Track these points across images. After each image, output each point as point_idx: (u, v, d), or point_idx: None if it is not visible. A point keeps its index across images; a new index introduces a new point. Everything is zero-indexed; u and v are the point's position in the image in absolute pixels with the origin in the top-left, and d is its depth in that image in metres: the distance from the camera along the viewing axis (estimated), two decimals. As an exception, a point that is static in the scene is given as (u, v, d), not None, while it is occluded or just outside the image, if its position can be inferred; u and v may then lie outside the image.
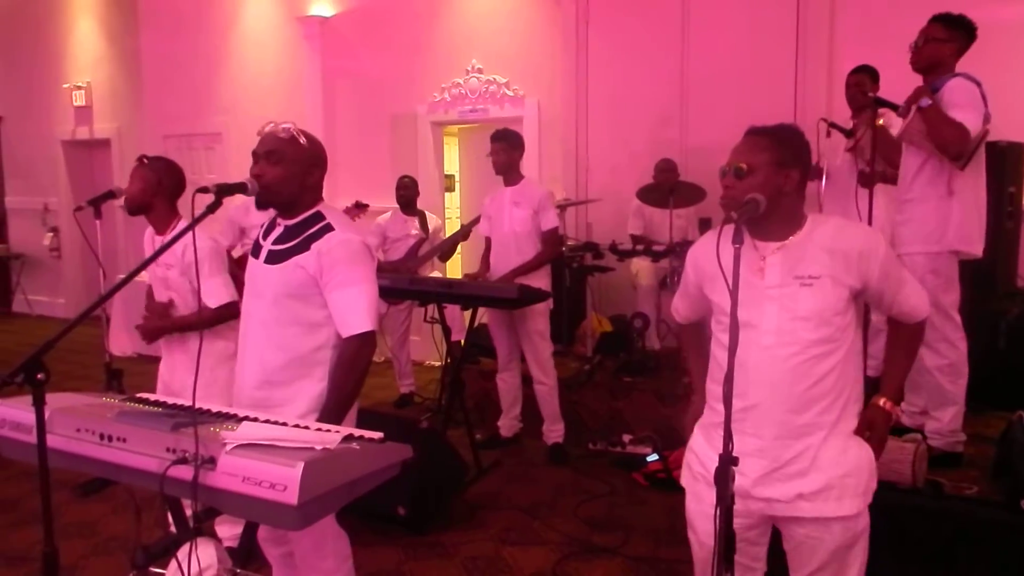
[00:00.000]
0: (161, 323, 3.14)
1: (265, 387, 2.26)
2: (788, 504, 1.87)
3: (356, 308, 2.19)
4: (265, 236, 2.34)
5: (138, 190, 3.06)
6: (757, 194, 1.80)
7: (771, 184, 1.83)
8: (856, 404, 1.94)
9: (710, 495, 1.81)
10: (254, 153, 2.25)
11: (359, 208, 5.10)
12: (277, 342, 2.24)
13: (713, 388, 2.00)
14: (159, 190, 3.07)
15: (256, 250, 2.34)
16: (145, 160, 3.12)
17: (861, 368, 1.96)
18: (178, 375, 3.13)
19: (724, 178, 1.89)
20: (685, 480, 2.07)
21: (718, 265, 1.72)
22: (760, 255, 1.89)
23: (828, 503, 1.86)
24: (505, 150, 4.39)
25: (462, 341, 4.70)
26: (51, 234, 9.18)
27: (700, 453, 2.02)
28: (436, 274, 5.55)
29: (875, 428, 1.95)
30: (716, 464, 1.84)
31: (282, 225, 2.30)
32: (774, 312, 1.86)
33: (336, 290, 2.19)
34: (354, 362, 2.21)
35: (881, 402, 1.98)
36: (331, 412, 2.18)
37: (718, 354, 1.98)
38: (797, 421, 1.85)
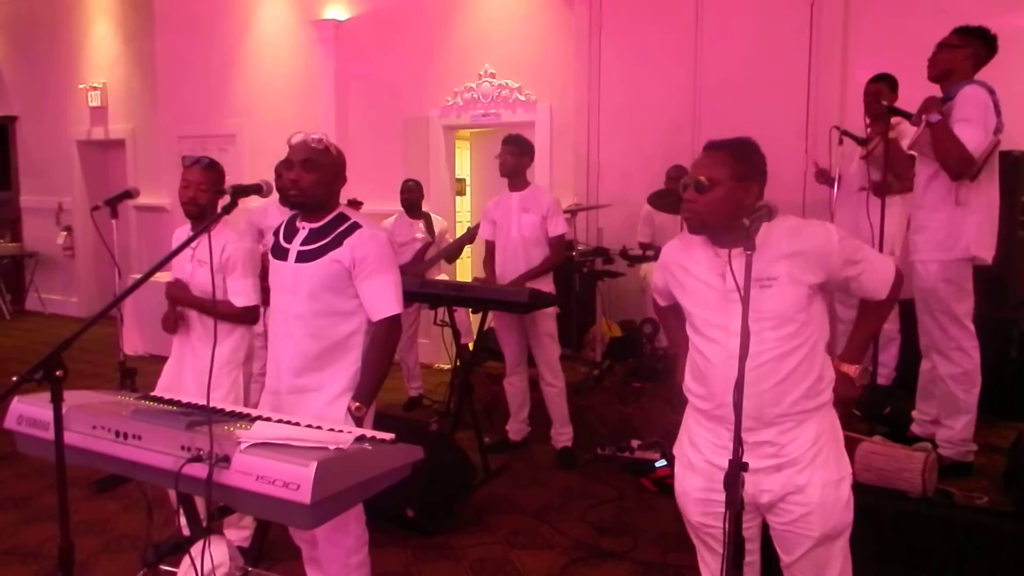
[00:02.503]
0: (184, 293, 3.09)
1: (304, 373, 2.47)
2: (764, 476, 1.93)
3: (386, 294, 2.45)
4: (287, 240, 2.54)
5: (212, 196, 3.04)
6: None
7: (732, 198, 1.90)
8: (825, 393, 1.99)
9: (686, 478, 2.05)
10: (288, 160, 2.47)
11: (353, 206, 5.16)
12: (314, 332, 2.46)
13: (691, 386, 2.08)
14: (219, 190, 3.09)
15: (281, 253, 2.54)
16: (206, 162, 3.09)
17: (827, 359, 2.04)
18: (185, 381, 3.11)
19: (686, 192, 1.95)
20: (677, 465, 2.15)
21: (687, 270, 1.90)
22: (722, 260, 1.94)
23: (802, 474, 1.92)
24: (514, 154, 4.42)
25: (470, 344, 4.71)
26: (65, 233, 9.25)
27: (681, 440, 2.13)
28: (443, 276, 5.56)
29: (840, 393, 2.02)
30: (688, 451, 2.07)
31: (306, 228, 2.51)
32: (738, 314, 1.88)
33: (368, 279, 2.44)
34: (386, 342, 2.47)
35: (843, 368, 2.07)
36: (367, 390, 2.45)
37: (694, 356, 2.06)
38: (767, 415, 1.92)
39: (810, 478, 1.92)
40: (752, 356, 1.87)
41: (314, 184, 2.44)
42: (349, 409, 2.41)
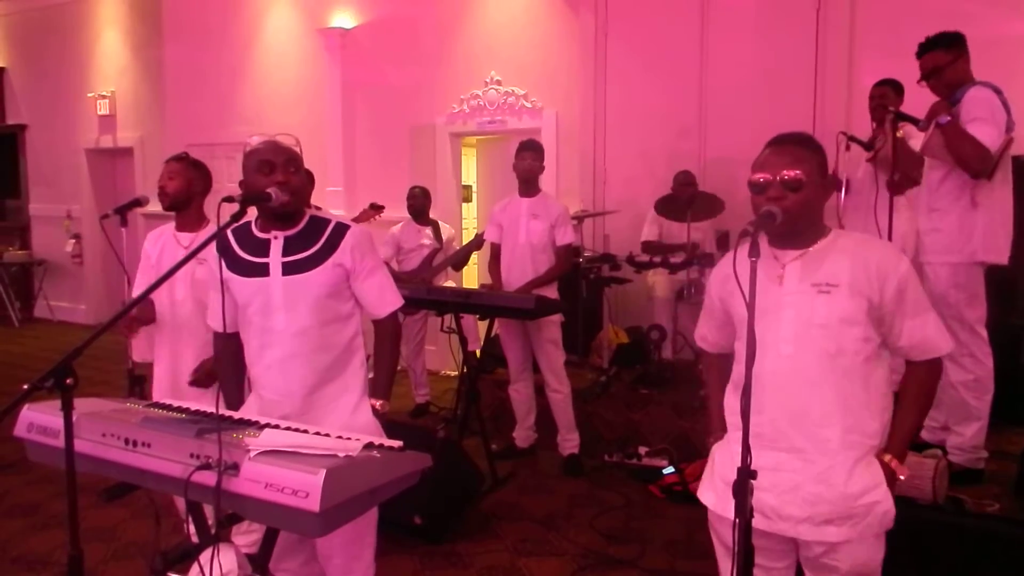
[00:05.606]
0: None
1: (317, 389, 2.32)
2: (813, 527, 1.83)
3: (386, 288, 2.42)
4: (257, 254, 2.28)
5: (183, 186, 3.15)
6: (773, 207, 1.78)
7: (820, 193, 1.84)
8: (883, 429, 1.88)
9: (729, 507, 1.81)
10: (268, 163, 2.21)
11: (375, 210, 5.15)
12: (322, 344, 2.31)
13: (732, 402, 1.97)
14: (201, 189, 3.21)
15: (254, 269, 2.27)
16: (191, 160, 3.23)
17: (887, 388, 1.90)
18: (185, 376, 3.16)
19: (766, 192, 1.81)
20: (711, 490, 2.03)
21: (735, 280, 1.69)
22: (780, 263, 1.89)
23: (852, 528, 1.82)
24: (536, 159, 4.46)
25: (478, 351, 4.70)
26: (73, 241, 9.30)
27: (720, 465, 2.01)
28: (450, 283, 5.57)
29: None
30: (723, 473, 1.88)
31: (280, 237, 2.27)
32: (791, 318, 1.84)
33: (369, 277, 2.37)
34: (395, 335, 2.49)
35: (886, 459, 1.88)
36: (386, 385, 2.47)
37: (738, 369, 1.96)
38: (817, 436, 1.82)
39: (861, 535, 1.81)
40: (803, 367, 1.81)
41: (301, 185, 2.23)
42: (374, 408, 2.39)
